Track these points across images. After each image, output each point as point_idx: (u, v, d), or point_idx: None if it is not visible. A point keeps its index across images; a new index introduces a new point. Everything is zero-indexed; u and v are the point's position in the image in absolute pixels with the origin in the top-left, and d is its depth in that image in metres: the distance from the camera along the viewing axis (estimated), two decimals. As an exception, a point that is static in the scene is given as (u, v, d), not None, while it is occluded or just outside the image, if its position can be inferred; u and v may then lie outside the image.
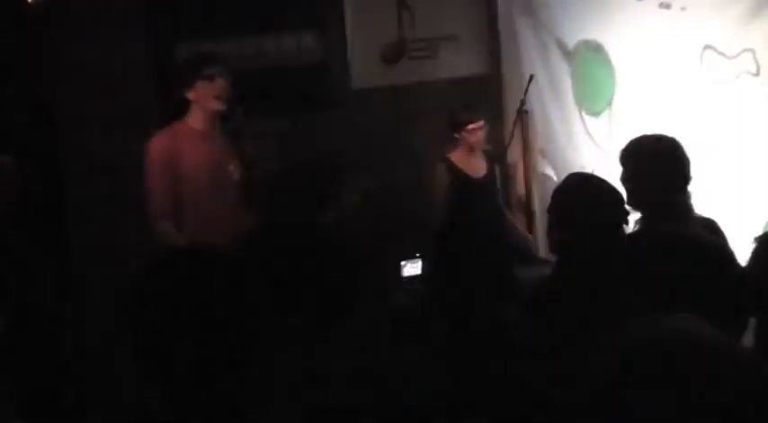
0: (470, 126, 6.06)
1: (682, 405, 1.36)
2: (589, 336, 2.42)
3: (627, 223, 3.51)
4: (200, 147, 5.00)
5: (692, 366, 1.38)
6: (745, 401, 1.36)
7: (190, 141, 4.99)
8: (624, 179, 3.91)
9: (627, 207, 3.55)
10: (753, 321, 2.52)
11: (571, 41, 6.57)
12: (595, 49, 6.33)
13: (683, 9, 5.97)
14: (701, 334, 1.46)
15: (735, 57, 5.85)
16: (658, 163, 3.83)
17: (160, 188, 4.94)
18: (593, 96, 6.44)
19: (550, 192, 3.76)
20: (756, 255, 2.68)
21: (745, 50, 5.82)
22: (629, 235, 3.64)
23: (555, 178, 6.51)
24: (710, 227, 3.86)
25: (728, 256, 2.46)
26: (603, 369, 1.45)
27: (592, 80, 6.40)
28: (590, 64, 6.39)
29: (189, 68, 5.10)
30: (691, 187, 3.93)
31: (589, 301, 3.00)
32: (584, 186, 3.61)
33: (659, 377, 1.39)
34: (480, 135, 6.11)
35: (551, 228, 3.56)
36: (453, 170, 6.14)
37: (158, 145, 4.97)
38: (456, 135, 6.12)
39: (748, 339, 2.51)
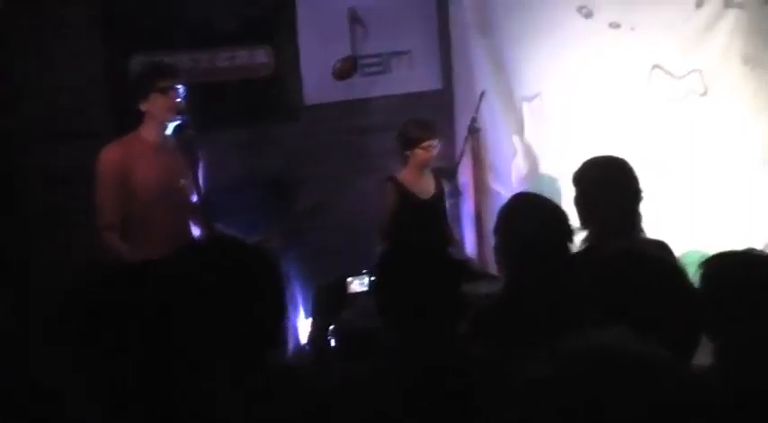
0: (424, 144, 5.90)
1: (606, 416, 1.38)
2: (538, 352, 2.45)
3: (572, 242, 3.54)
4: (152, 159, 4.97)
5: (614, 380, 1.41)
6: (669, 414, 1.38)
7: (142, 153, 4.95)
8: (576, 200, 3.95)
9: (573, 226, 3.58)
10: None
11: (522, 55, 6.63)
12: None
13: (632, 29, 6.05)
14: (626, 348, 1.48)
15: (682, 77, 5.94)
16: (608, 184, 3.87)
17: (109, 200, 4.90)
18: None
19: (501, 209, 3.79)
20: (705, 278, 2.72)
21: (692, 71, 5.91)
22: (579, 252, 3.68)
23: (505, 195, 6.56)
24: (661, 248, 3.91)
25: (678, 272, 2.49)
26: (534, 382, 1.48)
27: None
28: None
29: (144, 80, 5.08)
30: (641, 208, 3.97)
31: (537, 318, 3.02)
32: (528, 206, 3.64)
33: (584, 390, 1.41)
34: (433, 153, 5.95)
35: (497, 247, 3.59)
36: (401, 190, 5.98)
37: (109, 156, 4.94)
38: (407, 152, 5.95)
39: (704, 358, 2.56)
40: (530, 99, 6.66)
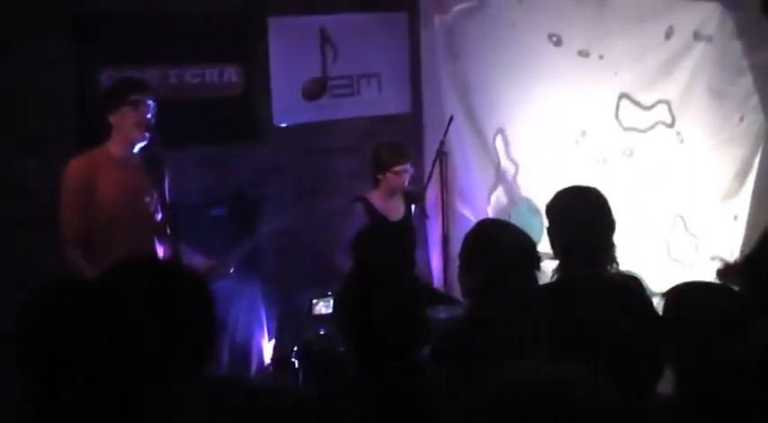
0: (396, 168, 5.88)
1: None
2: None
3: (538, 268, 3.54)
4: (117, 173, 4.92)
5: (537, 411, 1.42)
6: None
7: (107, 167, 4.90)
8: (547, 230, 3.93)
9: (539, 253, 3.58)
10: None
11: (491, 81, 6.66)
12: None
13: (600, 58, 6.08)
14: (558, 381, 1.49)
15: (650, 107, 5.98)
16: (578, 214, 3.85)
17: (71, 213, 4.85)
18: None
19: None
20: (669, 306, 2.73)
21: (660, 102, 5.95)
22: (549, 282, 3.67)
23: (473, 219, 6.57)
24: (633, 281, 3.90)
25: (643, 301, 2.50)
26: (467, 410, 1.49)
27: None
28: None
29: (115, 92, 5.04)
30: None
31: (500, 345, 3.02)
32: (492, 232, 3.64)
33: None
34: (405, 178, 5.94)
35: (461, 272, 3.59)
36: (371, 211, 5.95)
37: (74, 169, 4.89)
38: (379, 176, 5.94)
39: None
40: (502, 129, 6.69)
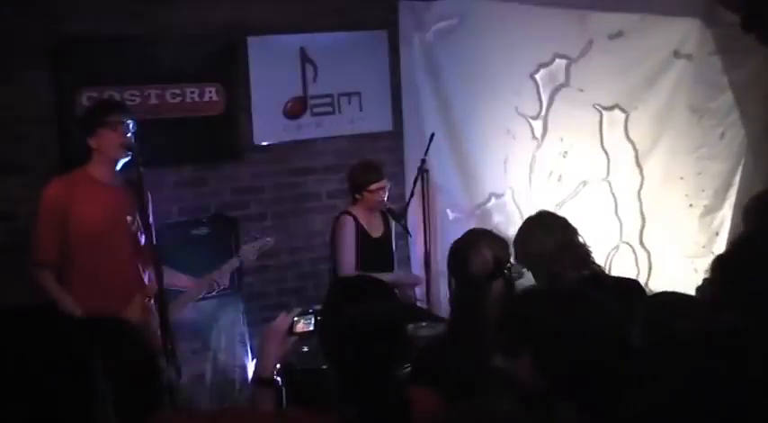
0: (372, 187, 5.90)
1: None
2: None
3: (509, 277, 3.56)
4: (99, 194, 4.89)
5: None
6: None
7: (86, 189, 4.88)
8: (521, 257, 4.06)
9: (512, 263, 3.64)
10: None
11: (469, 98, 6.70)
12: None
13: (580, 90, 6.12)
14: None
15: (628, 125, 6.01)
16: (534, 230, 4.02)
17: (45, 235, 4.82)
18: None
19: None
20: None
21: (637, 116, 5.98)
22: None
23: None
24: (627, 286, 3.98)
25: (601, 307, 2.51)
26: None
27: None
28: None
29: (92, 115, 5.01)
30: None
31: (479, 361, 3.01)
32: (467, 242, 3.66)
33: None
34: (382, 195, 5.95)
35: (448, 283, 3.62)
36: (357, 224, 5.96)
37: (51, 191, 4.86)
38: (357, 195, 5.96)
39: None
40: (483, 146, 6.73)
